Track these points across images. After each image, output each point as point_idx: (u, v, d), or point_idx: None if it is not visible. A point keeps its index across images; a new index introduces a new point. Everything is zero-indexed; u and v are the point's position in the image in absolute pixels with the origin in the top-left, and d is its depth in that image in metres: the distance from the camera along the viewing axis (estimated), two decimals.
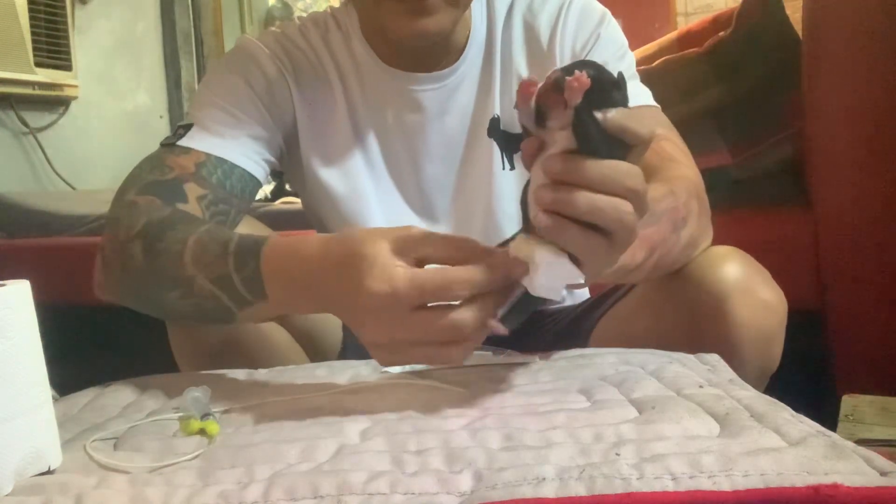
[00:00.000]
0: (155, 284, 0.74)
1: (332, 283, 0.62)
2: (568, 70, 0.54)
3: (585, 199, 0.54)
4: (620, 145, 0.55)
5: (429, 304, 0.59)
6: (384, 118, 0.97)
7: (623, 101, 0.56)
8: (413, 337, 0.59)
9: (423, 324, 0.58)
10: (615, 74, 0.56)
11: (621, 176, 0.55)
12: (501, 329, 0.60)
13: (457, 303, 0.59)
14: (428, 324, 0.58)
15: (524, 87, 0.56)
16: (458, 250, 0.60)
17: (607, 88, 0.55)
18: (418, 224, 0.98)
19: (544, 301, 0.60)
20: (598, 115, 0.54)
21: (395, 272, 0.58)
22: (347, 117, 0.97)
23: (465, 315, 0.58)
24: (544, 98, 0.55)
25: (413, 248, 0.60)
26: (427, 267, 0.60)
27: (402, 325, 0.59)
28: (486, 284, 0.58)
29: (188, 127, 0.90)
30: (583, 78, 0.53)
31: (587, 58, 0.94)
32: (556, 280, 0.58)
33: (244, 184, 0.91)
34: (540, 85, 0.55)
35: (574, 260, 0.58)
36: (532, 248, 0.58)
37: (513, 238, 0.61)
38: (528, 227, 0.60)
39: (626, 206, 0.55)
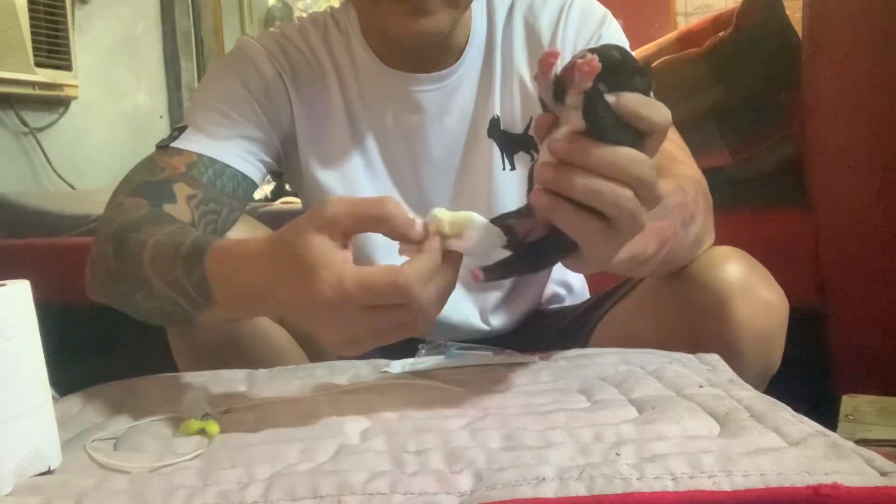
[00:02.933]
0: (124, 285, 0.75)
1: (282, 288, 0.61)
2: (597, 51, 0.54)
3: (584, 181, 0.54)
4: (633, 132, 0.55)
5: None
6: (383, 119, 0.97)
7: (645, 89, 0.56)
8: (368, 329, 0.58)
9: (375, 316, 0.58)
10: (642, 62, 0.56)
11: (626, 162, 0.54)
12: (480, 276, 0.60)
13: (403, 258, 0.58)
14: (380, 315, 0.58)
15: (545, 58, 0.56)
16: (379, 219, 0.58)
17: (629, 73, 0.55)
18: None
19: (529, 267, 0.60)
20: (613, 98, 0.54)
21: (343, 273, 0.57)
22: (346, 118, 0.97)
23: (415, 299, 0.56)
24: (566, 75, 0.55)
25: (340, 227, 0.58)
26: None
27: (356, 321, 0.58)
28: (435, 269, 0.58)
29: (183, 129, 0.91)
30: (594, 62, 0.53)
31: None
32: (484, 244, 0.58)
33: (236, 183, 0.91)
34: (581, 59, 0.55)
35: (573, 244, 0.58)
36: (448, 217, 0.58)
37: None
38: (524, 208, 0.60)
39: (625, 193, 0.55)
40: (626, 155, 0.55)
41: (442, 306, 0.60)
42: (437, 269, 0.58)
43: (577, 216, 0.56)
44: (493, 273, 0.61)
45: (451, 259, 0.59)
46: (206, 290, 0.66)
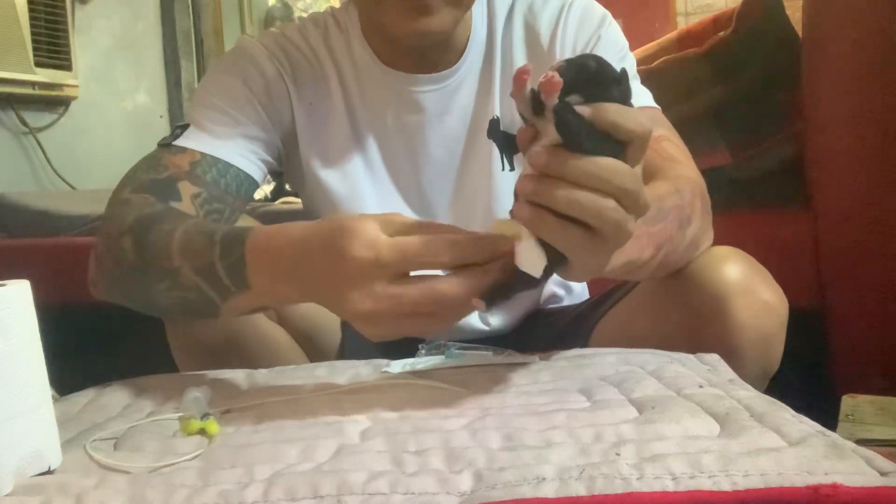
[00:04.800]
0: (143, 277, 0.75)
1: (315, 260, 0.62)
2: (573, 62, 0.54)
3: (564, 193, 0.54)
4: (612, 142, 0.55)
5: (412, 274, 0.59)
6: (384, 119, 0.97)
7: (623, 98, 0.56)
8: (397, 306, 0.59)
9: (406, 292, 0.58)
10: (619, 70, 0.56)
11: (605, 173, 0.54)
12: (481, 306, 0.59)
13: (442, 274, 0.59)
14: (411, 292, 0.58)
15: (518, 75, 0.56)
16: (440, 225, 0.61)
17: (606, 82, 0.55)
18: None
19: (527, 284, 0.59)
20: (588, 110, 0.54)
21: (379, 239, 0.58)
22: (346, 118, 0.97)
23: (449, 285, 0.58)
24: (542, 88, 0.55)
25: (400, 232, 0.60)
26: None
27: (386, 293, 0.58)
28: (469, 254, 0.58)
29: (185, 127, 0.91)
30: (554, 78, 0.53)
31: None
32: (538, 257, 0.58)
33: (239, 183, 0.91)
34: (543, 76, 0.55)
35: (561, 255, 0.58)
36: (519, 224, 0.58)
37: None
38: None
39: (608, 203, 0.55)
40: (606, 165, 0.54)
41: (467, 307, 0.60)
42: (471, 254, 0.58)
43: (561, 228, 0.56)
44: (494, 298, 0.61)
45: (491, 266, 0.59)
46: (241, 272, 0.67)
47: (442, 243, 0.58)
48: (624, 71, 0.56)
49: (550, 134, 0.55)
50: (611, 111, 0.54)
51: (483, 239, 0.59)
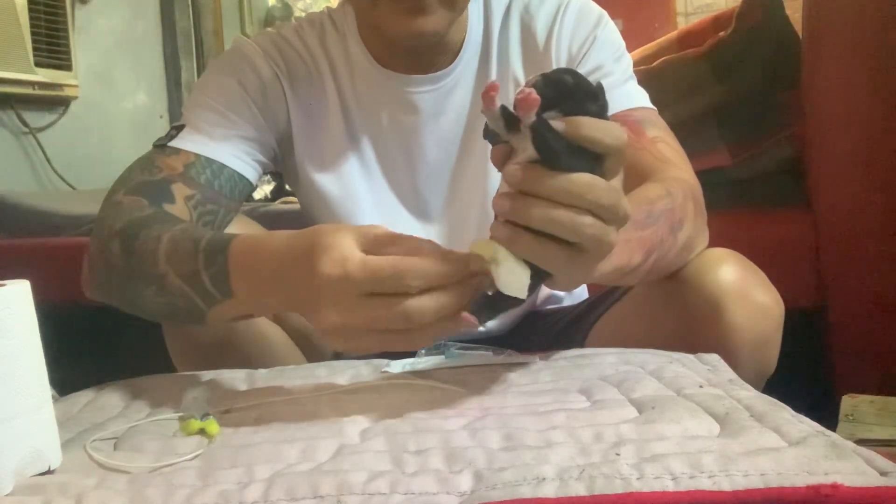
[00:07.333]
0: (132, 282, 0.75)
1: (292, 272, 0.62)
2: (548, 77, 0.54)
3: (541, 211, 0.54)
4: (589, 156, 0.55)
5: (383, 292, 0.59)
6: (379, 120, 0.97)
7: (600, 112, 0.56)
8: (364, 323, 0.58)
9: (374, 310, 0.58)
10: (595, 84, 0.56)
11: (581, 189, 0.54)
12: (472, 320, 0.59)
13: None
14: (379, 310, 0.58)
15: (486, 91, 0.55)
16: (418, 251, 0.59)
17: (582, 97, 0.55)
18: (413, 225, 0.98)
19: (516, 300, 0.59)
20: (562, 125, 0.54)
21: (351, 256, 0.58)
22: (341, 119, 0.97)
23: (418, 304, 0.57)
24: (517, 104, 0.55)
25: (376, 247, 0.60)
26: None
27: (354, 310, 0.58)
28: (440, 276, 0.57)
29: (180, 128, 0.91)
30: (531, 95, 0.52)
31: (584, 60, 0.94)
32: (520, 278, 0.58)
33: (233, 184, 0.91)
34: (519, 92, 0.55)
35: (542, 270, 0.58)
36: (497, 246, 0.58)
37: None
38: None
39: (584, 220, 0.54)
40: (582, 181, 0.54)
41: (440, 325, 0.59)
42: (442, 276, 0.58)
43: (539, 245, 0.55)
44: (483, 313, 0.60)
45: (464, 286, 0.59)
46: (225, 281, 0.67)
47: (412, 266, 0.57)
48: (600, 85, 0.56)
49: (526, 150, 0.55)
50: (586, 125, 0.54)
51: (455, 260, 0.58)
